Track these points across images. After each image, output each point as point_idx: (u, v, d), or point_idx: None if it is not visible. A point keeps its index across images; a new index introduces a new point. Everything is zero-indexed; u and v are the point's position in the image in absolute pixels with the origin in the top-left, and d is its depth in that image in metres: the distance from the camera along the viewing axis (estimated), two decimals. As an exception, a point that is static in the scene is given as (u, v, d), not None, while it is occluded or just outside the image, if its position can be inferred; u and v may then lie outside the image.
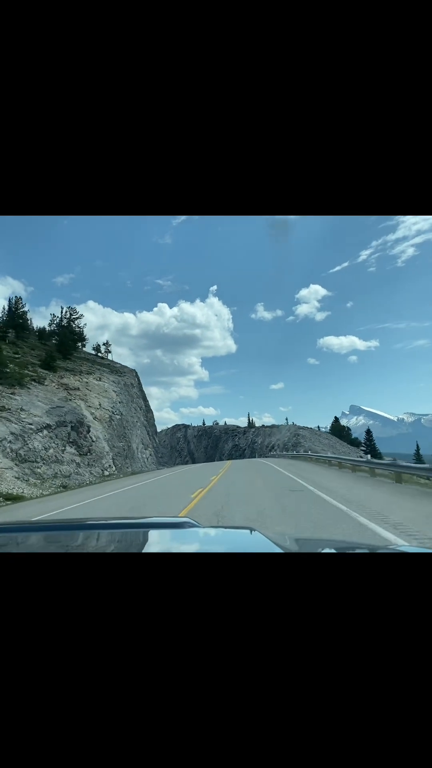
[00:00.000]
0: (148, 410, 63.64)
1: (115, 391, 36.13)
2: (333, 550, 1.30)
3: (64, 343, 40.00)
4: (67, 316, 47.03)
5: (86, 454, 24.70)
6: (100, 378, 36.38)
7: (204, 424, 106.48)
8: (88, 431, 26.16)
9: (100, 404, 30.95)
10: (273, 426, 76.01)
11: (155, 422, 71.05)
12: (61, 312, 47.36)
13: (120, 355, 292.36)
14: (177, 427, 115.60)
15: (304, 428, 63.56)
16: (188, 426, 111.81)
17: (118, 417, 33.20)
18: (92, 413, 29.01)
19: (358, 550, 1.26)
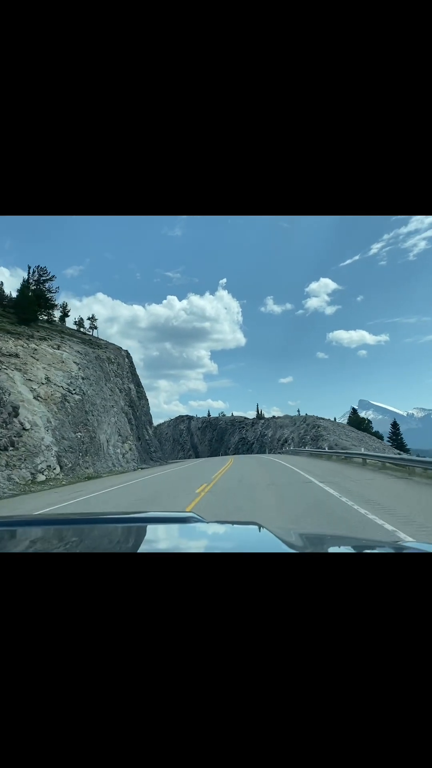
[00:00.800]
0: (141, 397, 54.80)
1: (77, 364, 27.10)
2: (337, 547, 1.30)
3: (23, 306, 31.12)
4: (35, 277, 38.08)
5: (5, 449, 15.77)
6: (58, 346, 27.37)
7: (209, 415, 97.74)
8: (15, 414, 17.27)
9: (47, 378, 22.01)
10: (286, 416, 65.98)
11: (150, 411, 61.86)
12: (28, 272, 38.30)
13: (129, 347, 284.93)
14: (180, 419, 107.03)
15: (323, 419, 54.16)
16: (192, 417, 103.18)
17: (77, 398, 24.23)
18: (32, 390, 20.06)
19: (366, 550, 1.22)
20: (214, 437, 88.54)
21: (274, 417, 67.48)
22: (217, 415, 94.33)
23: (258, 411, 76.78)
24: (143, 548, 1.19)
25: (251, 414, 77.96)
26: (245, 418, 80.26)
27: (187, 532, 1.31)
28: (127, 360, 51.52)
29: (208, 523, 1.41)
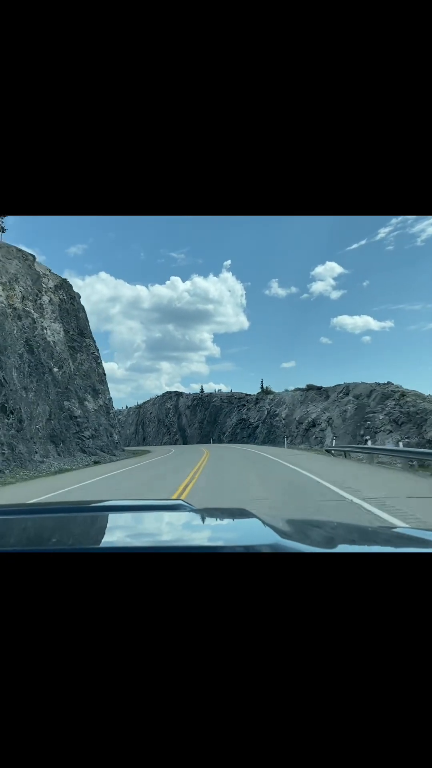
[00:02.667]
0: (78, 350, 34.73)
1: None
2: (327, 534, 1.31)
3: None
4: None
5: None
6: None
7: (202, 391, 78.07)
8: None
9: None
10: (317, 389, 40.17)
11: (107, 379, 41.82)
12: None
13: (131, 328, 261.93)
14: (167, 396, 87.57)
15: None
16: (180, 394, 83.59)
17: None
18: None
19: (356, 546, 1.18)
20: (206, 418, 68.97)
21: (295, 390, 45.54)
22: (211, 392, 74.74)
23: (262, 387, 57.18)
24: (132, 537, 1.20)
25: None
26: (246, 394, 60.59)
27: (177, 520, 1.31)
28: (49, 283, 31.52)
29: (197, 510, 1.43)
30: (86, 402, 33.63)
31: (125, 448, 50.16)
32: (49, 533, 1.17)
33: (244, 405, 56.30)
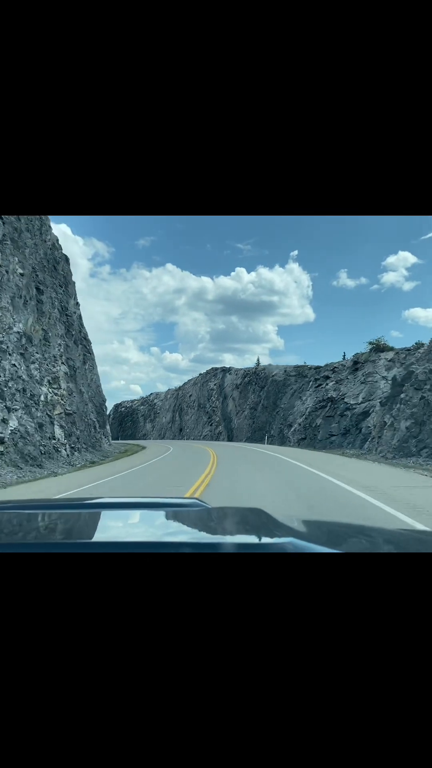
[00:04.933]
0: (80, 339, 11.76)
1: None
2: (340, 537, 1.28)
3: None
4: None
5: None
6: None
7: (258, 363, 54.36)
8: None
9: None
10: None
11: (95, 358, 19.67)
12: None
13: (196, 319, 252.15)
14: (210, 373, 64.88)
15: None
16: (228, 370, 60.42)
17: None
18: None
19: (362, 538, 1.20)
20: (261, 401, 45.29)
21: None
22: (271, 364, 50.86)
23: (376, 345, 31.91)
24: (146, 535, 1.19)
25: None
26: (329, 364, 36.22)
27: (190, 518, 1.32)
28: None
29: (211, 508, 1.43)
30: (57, 387, 11.28)
31: (112, 442, 36.27)
32: (61, 529, 1.17)
33: (327, 379, 32.09)
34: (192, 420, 66.31)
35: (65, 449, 19.99)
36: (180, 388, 77.07)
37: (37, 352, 19.34)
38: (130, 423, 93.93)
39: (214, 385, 61.07)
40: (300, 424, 32.33)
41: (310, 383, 35.59)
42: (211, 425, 58.62)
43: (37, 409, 18.08)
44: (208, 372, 66.33)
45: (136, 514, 1.40)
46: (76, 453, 21.32)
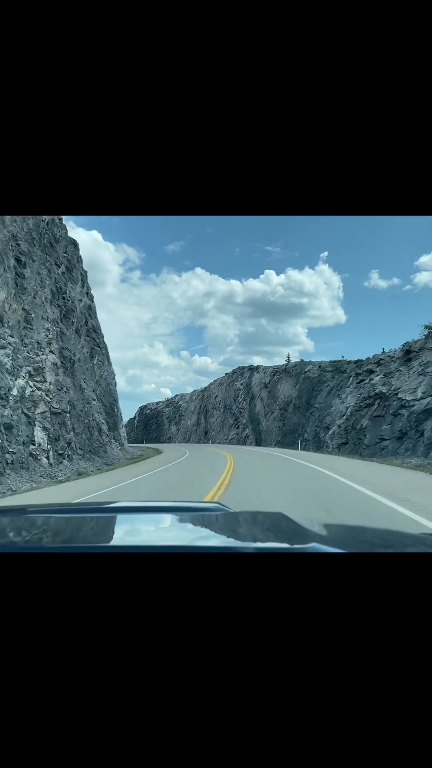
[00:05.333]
0: (88, 331, 8.37)
1: None
2: (367, 539, 1.28)
3: None
4: None
5: None
6: None
7: (288, 360, 49.46)
8: None
9: None
10: None
11: (107, 353, 15.23)
12: None
13: (225, 322, 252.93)
14: (237, 373, 60.37)
15: None
16: (255, 368, 55.74)
17: None
18: None
19: (389, 549, 1.16)
20: (293, 401, 40.49)
21: None
22: (303, 360, 45.94)
23: (383, 351, 26.58)
24: (168, 538, 1.20)
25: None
26: (374, 356, 31.13)
27: (212, 523, 1.31)
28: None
29: (233, 513, 1.41)
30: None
31: (127, 446, 32.17)
32: (76, 533, 1.17)
33: (372, 372, 27.08)
34: (217, 422, 61.97)
35: (47, 457, 15.99)
36: (205, 388, 72.91)
37: (11, 335, 15.41)
38: (155, 426, 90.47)
39: (241, 384, 56.58)
40: (340, 426, 27.40)
41: (350, 379, 30.58)
42: (237, 428, 54.10)
43: (5, 406, 14.11)
44: (234, 371, 61.88)
45: (159, 518, 1.41)
46: (64, 461, 17.30)
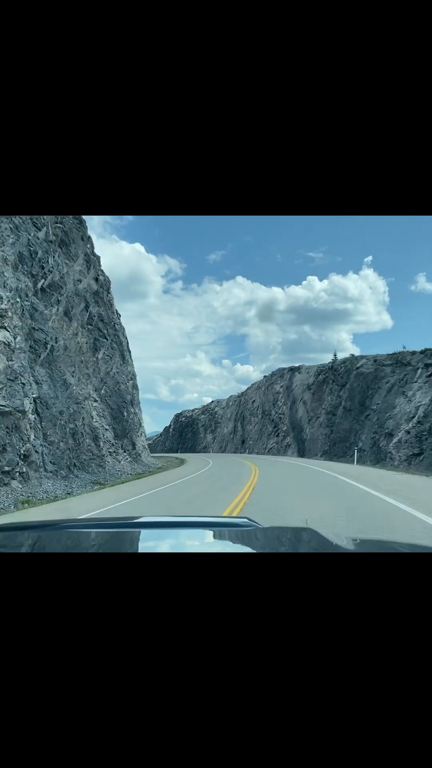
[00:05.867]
0: (89, 318, 8.06)
1: None
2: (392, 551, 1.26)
3: None
4: None
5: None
6: None
7: (335, 358, 42.54)
8: None
9: None
10: None
11: (125, 347, 13.39)
12: None
13: (267, 330, 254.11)
14: (276, 374, 54.09)
15: None
16: (297, 369, 49.18)
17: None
18: None
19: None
20: (341, 402, 33.83)
21: None
22: (354, 355, 38.94)
23: None
24: (197, 551, 1.18)
25: None
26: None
27: (240, 537, 1.31)
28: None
29: (262, 528, 1.40)
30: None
31: (144, 457, 27.66)
32: (101, 548, 1.18)
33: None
34: (255, 430, 55.80)
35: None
36: (242, 393, 66.93)
37: None
38: (191, 434, 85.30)
39: (281, 387, 50.26)
40: (409, 432, 20.67)
41: (419, 372, 23.73)
42: (277, 436, 47.71)
43: None
44: (273, 373, 55.60)
45: (188, 533, 1.41)
46: (13, 482, 11.94)
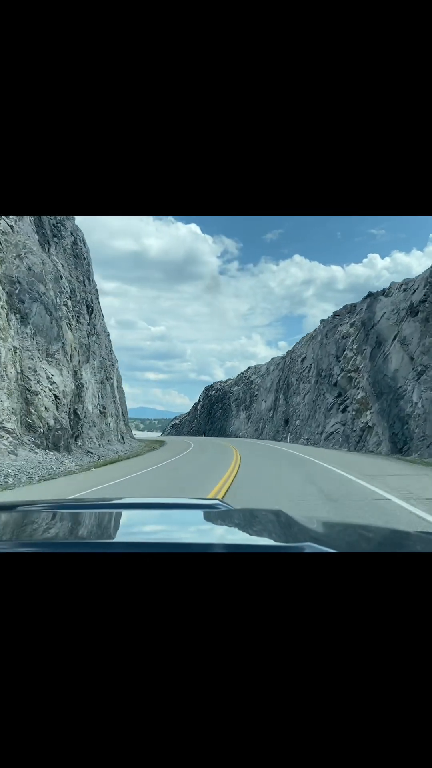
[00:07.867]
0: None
1: None
2: (363, 537, 1.29)
3: None
4: None
5: None
6: None
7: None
8: None
9: None
10: None
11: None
12: None
13: (325, 310, 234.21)
14: (343, 311, 32.39)
15: None
16: (381, 293, 27.43)
17: None
18: None
19: (386, 549, 1.15)
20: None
21: None
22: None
23: None
24: (167, 534, 1.19)
25: None
26: None
27: (210, 519, 1.33)
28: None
29: (233, 510, 1.43)
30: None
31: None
32: (77, 529, 1.18)
33: None
34: (305, 403, 35.06)
35: None
36: (290, 351, 45.85)
37: None
38: (221, 412, 65.45)
39: (352, 326, 29.00)
40: None
41: None
42: (344, 410, 26.79)
43: None
44: (335, 313, 34.11)
45: (157, 515, 1.45)
46: None
